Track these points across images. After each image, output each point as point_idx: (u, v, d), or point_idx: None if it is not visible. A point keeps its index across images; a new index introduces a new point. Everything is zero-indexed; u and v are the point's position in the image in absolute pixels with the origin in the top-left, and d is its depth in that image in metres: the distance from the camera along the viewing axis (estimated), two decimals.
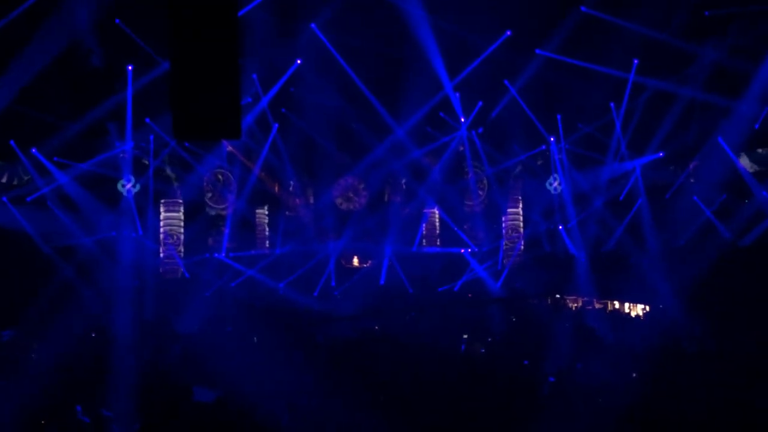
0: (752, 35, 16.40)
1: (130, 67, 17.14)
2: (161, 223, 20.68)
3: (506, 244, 22.42)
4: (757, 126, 17.88)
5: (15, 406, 8.40)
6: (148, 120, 18.62)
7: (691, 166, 20.28)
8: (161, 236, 20.59)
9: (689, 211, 19.12)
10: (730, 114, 17.76)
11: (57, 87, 16.69)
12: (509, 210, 22.69)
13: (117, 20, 16.81)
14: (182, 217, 20.90)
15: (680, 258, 17.94)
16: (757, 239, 18.36)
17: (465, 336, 14.21)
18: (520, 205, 22.80)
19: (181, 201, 20.92)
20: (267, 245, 22.10)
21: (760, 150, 20.02)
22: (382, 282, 20.89)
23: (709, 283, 16.45)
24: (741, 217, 18.67)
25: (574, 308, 19.90)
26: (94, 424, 7.27)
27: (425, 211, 22.50)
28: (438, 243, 23.06)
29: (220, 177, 21.15)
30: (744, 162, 19.52)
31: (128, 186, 19.11)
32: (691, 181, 20.38)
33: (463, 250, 21.90)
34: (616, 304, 20.06)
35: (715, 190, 19.13)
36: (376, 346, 13.10)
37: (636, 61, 18.11)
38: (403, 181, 22.86)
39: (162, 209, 20.73)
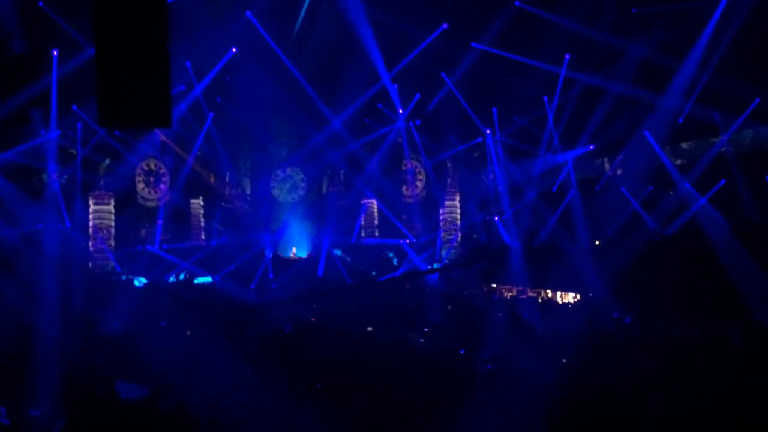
0: (676, 32, 17.08)
1: (54, 52, 16.47)
2: (90, 216, 19.90)
3: (444, 235, 22.67)
4: (681, 120, 18.65)
5: None
6: (75, 107, 17.93)
7: (619, 158, 20.97)
8: (90, 230, 19.83)
9: (617, 202, 19.75)
10: (655, 108, 18.44)
11: None
12: (446, 201, 22.94)
13: (41, 3, 16.17)
14: (113, 210, 20.18)
15: (609, 248, 18.54)
16: (680, 229, 19.17)
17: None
18: (458, 197, 23.07)
19: (111, 193, 20.17)
20: (202, 237, 21.64)
21: (683, 144, 20.90)
22: (320, 273, 20.77)
23: (635, 272, 17.06)
24: (665, 208, 19.44)
25: (508, 297, 20.32)
26: (14, 426, 6.98)
27: (363, 202, 22.50)
28: (377, 234, 23.10)
29: (152, 167, 20.53)
30: (669, 155, 20.34)
31: (54, 176, 18.34)
32: (619, 173, 21.08)
33: (401, 241, 22.02)
34: (549, 293, 20.59)
35: (642, 182, 19.83)
36: (312, 338, 13.04)
37: (568, 56, 18.60)
38: (342, 172, 22.78)
39: (91, 202, 19.94)
